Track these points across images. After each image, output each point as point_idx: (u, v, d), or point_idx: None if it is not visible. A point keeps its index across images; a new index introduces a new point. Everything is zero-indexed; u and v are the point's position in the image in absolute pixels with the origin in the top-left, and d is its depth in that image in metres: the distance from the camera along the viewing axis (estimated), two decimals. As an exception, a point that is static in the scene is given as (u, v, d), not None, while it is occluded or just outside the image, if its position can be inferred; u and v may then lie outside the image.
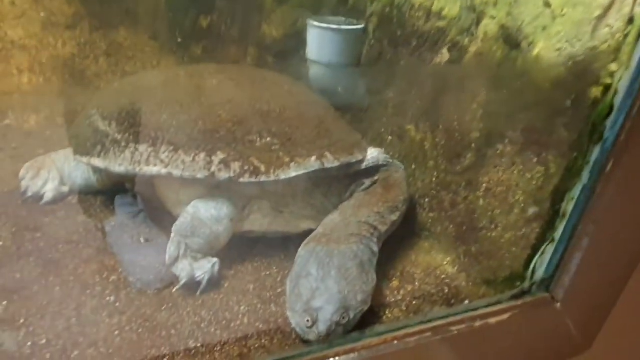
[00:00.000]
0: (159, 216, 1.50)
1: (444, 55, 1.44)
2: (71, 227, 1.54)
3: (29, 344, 1.11)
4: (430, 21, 1.48)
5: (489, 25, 1.28)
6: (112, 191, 1.69)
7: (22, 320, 1.17)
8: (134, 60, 2.66)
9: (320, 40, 1.86)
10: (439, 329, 1.10)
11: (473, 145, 1.35)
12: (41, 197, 1.64)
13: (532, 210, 1.23)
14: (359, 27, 1.85)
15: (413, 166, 1.57)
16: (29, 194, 1.62)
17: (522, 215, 1.25)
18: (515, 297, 1.20)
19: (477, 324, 1.12)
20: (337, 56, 1.87)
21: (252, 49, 2.63)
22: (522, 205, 1.24)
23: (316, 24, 1.85)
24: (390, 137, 1.69)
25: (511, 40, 1.21)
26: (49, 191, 1.66)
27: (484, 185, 1.32)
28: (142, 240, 1.40)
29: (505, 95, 1.26)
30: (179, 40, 2.77)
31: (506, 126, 1.25)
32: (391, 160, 1.51)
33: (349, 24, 1.86)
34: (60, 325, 1.17)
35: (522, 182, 1.23)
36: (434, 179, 1.48)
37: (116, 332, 1.15)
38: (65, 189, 1.70)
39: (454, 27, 1.39)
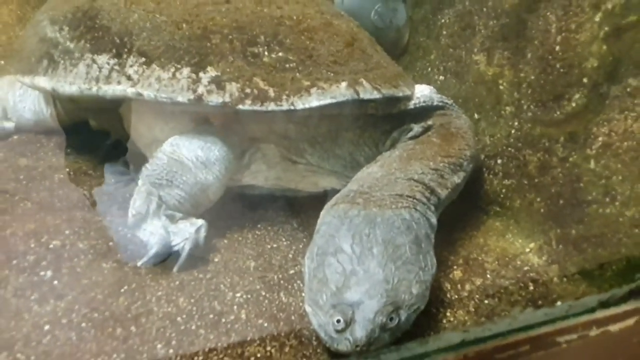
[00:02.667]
0: None
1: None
2: (8, 174, 1.20)
3: None
4: None
5: None
6: (71, 129, 1.36)
7: None
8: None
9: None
10: (541, 341, 0.79)
11: (586, 79, 0.96)
12: None
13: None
14: None
15: (476, 115, 1.17)
16: (-42, 129, 1.33)
17: (657, 183, 0.87)
18: (635, 293, 0.90)
19: (593, 332, 0.83)
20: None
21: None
22: (661, 166, 0.85)
23: None
24: (442, 77, 1.28)
25: None
26: None
27: (600, 139, 0.95)
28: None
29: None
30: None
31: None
32: (449, 102, 1.11)
33: None
34: None
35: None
36: (512, 132, 1.11)
37: (46, 327, 0.80)
38: (9, 124, 1.41)
39: None
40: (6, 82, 1.41)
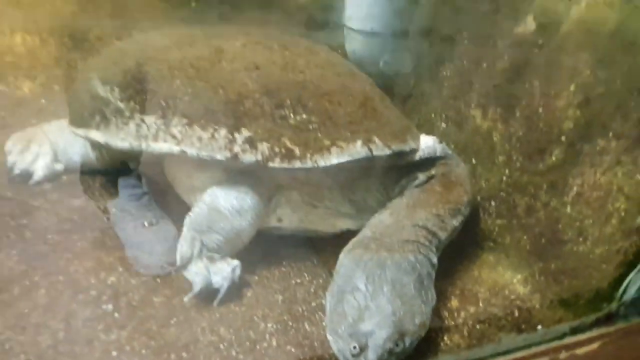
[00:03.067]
0: (165, 199, 1.36)
1: (529, 24, 1.17)
2: (64, 213, 1.33)
3: (3, 366, 0.88)
4: (508, -21, 1.22)
5: (600, -14, 1.02)
6: (113, 171, 1.48)
7: (-3, 334, 0.94)
8: (142, 23, 2.40)
9: (362, 4, 1.60)
10: None
11: (563, 138, 1.12)
12: (30, 176, 1.42)
13: (636, 221, 0.99)
14: (409, -11, 1.58)
15: (474, 160, 1.32)
16: (16, 171, 1.41)
17: (620, 227, 1.03)
18: (601, 321, 1.05)
19: (562, 355, 0.98)
20: (380, 23, 1.61)
21: (275, 16, 2.39)
22: (623, 214, 1.01)
23: (358, -17, 1.58)
24: (444, 124, 1.44)
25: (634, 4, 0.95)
26: (40, 169, 1.44)
27: (575, 188, 1.11)
28: (145, 224, 1.26)
29: (616, 75, 1.01)
30: (193, 4, 2.55)
31: (614, 115, 1.00)
32: (450, 152, 1.26)
33: (396, -14, 1.59)
34: (45, 342, 0.95)
35: (628, 185, 1.00)
36: (504, 178, 1.26)
37: (114, 353, 0.94)
38: (59, 166, 1.49)
39: (544, -11, 1.13)
40: (56, 128, 1.50)
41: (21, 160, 1.42)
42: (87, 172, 1.49)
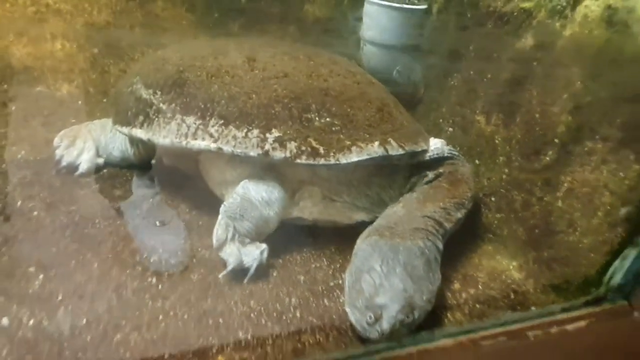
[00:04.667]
0: (176, 199, 1.49)
1: (528, 40, 1.32)
2: (108, 202, 1.48)
3: (68, 325, 1.02)
4: (511, 2, 1.36)
5: (590, 7, 1.16)
6: (148, 165, 1.64)
7: (59, 298, 1.09)
8: (170, 32, 2.57)
9: (378, 19, 1.75)
10: (515, 334, 1.04)
11: (557, 140, 1.25)
12: (76, 168, 1.57)
13: (619, 213, 1.12)
14: (422, 7, 1.73)
15: (477, 161, 1.46)
16: (63, 163, 1.56)
17: (606, 219, 1.15)
18: (589, 303, 1.15)
19: (554, 330, 1.07)
20: (395, 37, 1.77)
21: (294, 28, 2.55)
22: (608, 207, 1.14)
23: (375, 1, 1.73)
24: (450, 129, 1.58)
25: (618, 23, 1.09)
26: (84, 162, 1.59)
27: (566, 185, 1.23)
28: (157, 223, 1.37)
29: (603, 85, 1.14)
30: (216, 15, 2.72)
31: (600, 120, 1.13)
32: (456, 153, 1.40)
33: (410, 3, 1.74)
34: (100, 307, 1.09)
35: (612, 182, 1.12)
36: (503, 177, 1.39)
37: (160, 317, 1.08)
38: (100, 160, 1.65)
39: (543, 9, 1.27)
40: (98, 126, 1.65)
41: (68, 154, 1.58)
42: (124, 166, 1.64)
